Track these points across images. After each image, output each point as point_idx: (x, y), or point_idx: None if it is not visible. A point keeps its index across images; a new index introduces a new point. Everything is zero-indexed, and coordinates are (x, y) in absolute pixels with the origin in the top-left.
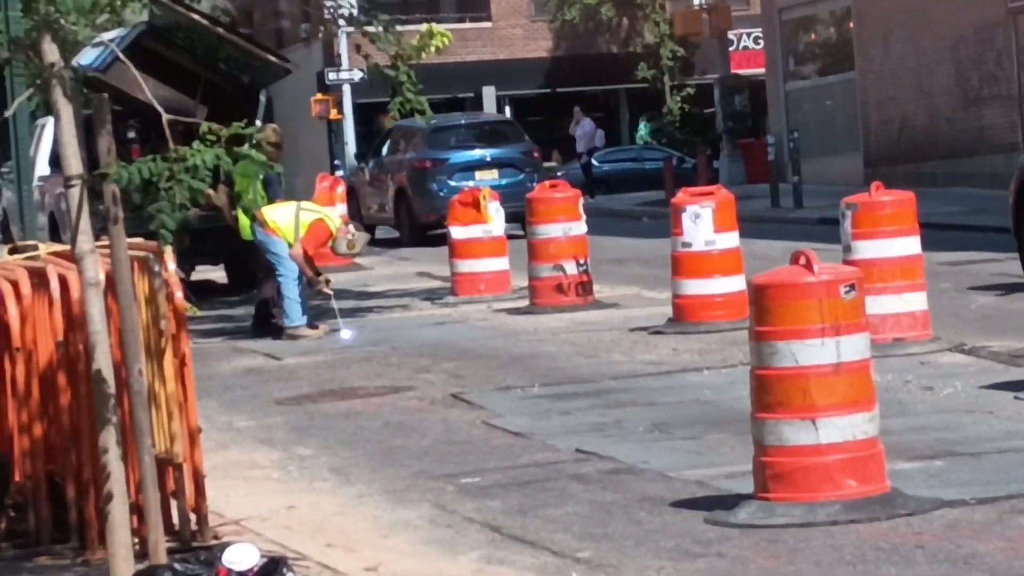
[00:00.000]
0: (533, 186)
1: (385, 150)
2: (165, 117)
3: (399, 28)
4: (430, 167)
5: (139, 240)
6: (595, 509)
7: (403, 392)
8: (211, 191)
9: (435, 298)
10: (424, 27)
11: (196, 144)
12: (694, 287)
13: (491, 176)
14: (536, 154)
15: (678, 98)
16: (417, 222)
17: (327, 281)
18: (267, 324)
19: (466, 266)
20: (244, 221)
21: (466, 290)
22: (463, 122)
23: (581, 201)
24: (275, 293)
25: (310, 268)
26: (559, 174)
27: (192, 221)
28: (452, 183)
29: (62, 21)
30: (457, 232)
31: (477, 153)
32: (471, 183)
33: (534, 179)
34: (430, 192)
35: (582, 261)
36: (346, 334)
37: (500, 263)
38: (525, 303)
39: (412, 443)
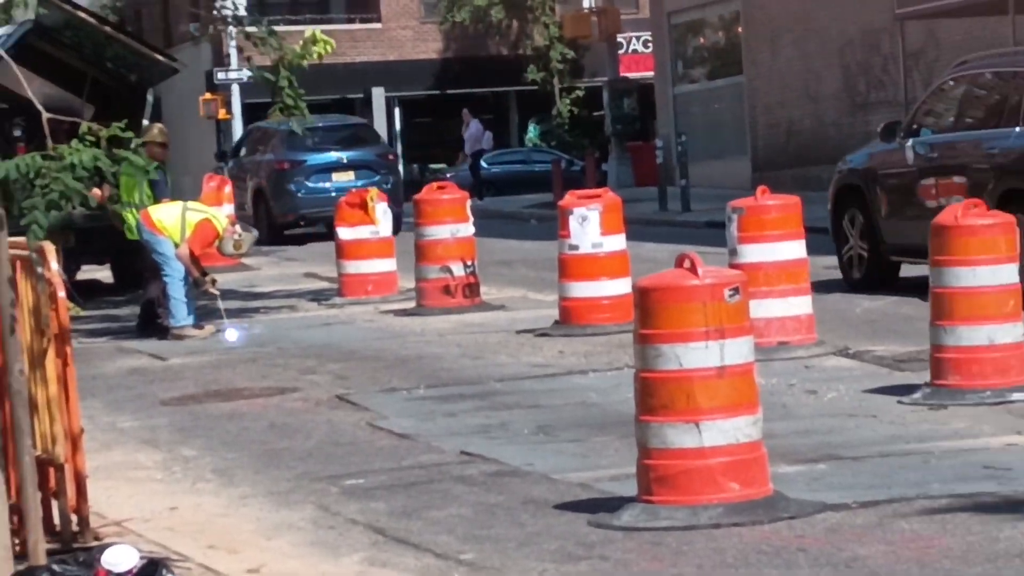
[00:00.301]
0: (388, 188)
1: (244, 151)
2: (45, 116)
3: (288, 28)
4: (288, 168)
5: (23, 239)
6: (479, 511)
7: (288, 393)
8: (97, 190)
9: (322, 299)
10: (307, 33)
11: (75, 143)
12: (580, 289)
13: (347, 177)
14: (391, 156)
15: (567, 101)
16: (275, 222)
17: (213, 281)
18: (153, 324)
19: (353, 267)
20: (130, 221)
21: (353, 291)
22: (320, 124)
23: (469, 203)
24: (161, 293)
25: (196, 268)
26: (447, 176)
27: (77, 220)
28: (309, 184)
29: None
30: (344, 233)
31: (334, 155)
32: (328, 184)
33: (389, 181)
34: (288, 192)
35: (469, 263)
36: (232, 335)
37: (387, 264)
38: (412, 304)
39: (296, 444)
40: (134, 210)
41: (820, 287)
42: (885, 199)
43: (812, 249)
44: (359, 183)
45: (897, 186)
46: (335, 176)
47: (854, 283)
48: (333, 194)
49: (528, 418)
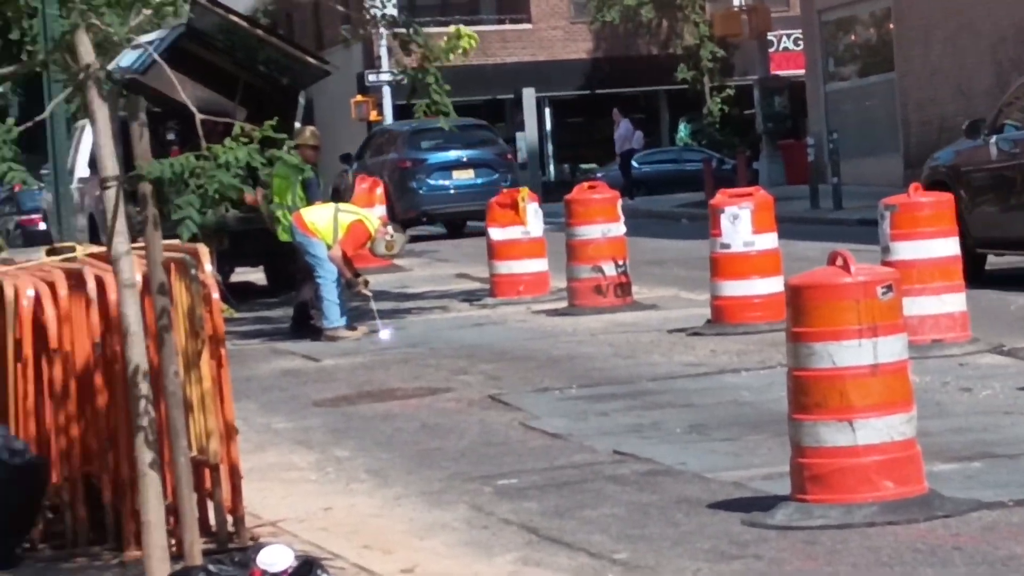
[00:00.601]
0: (507, 186)
1: (368, 153)
2: (199, 117)
3: (439, 30)
4: (410, 167)
5: (177, 242)
6: (632, 510)
7: (441, 394)
8: (249, 194)
9: (474, 299)
10: (452, 29)
11: (228, 142)
12: (732, 288)
13: (467, 176)
14: (509, 156)
15: (718, 99)
16: (398, 219)
17: (365, 282)
18: (306, 325)
19: (505, 267)
20: (283, 223)
21: (505, 291)
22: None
23: (619, 202)
24: (313, 295)
25: (349, 269)
26: (598, 175)
27: (231, 223)
28: (431, 182)
29: (97, 20)
30: (496, 233)
31: (454, 154)
32: (448, 182)
33: (507, 179)
34: (410, 190)
35: (621, 262)
36: (384, 335)
37: (539, 264)
38: (564, 304)
39: (449, 445)
40: (287, 212)
41: (973, 283)
42: (970, 194)
43: None
44: (479, 181)
45: (981, 181)
46: (455, 174)
47: None
48: (453, 192)
49: (681, 417)
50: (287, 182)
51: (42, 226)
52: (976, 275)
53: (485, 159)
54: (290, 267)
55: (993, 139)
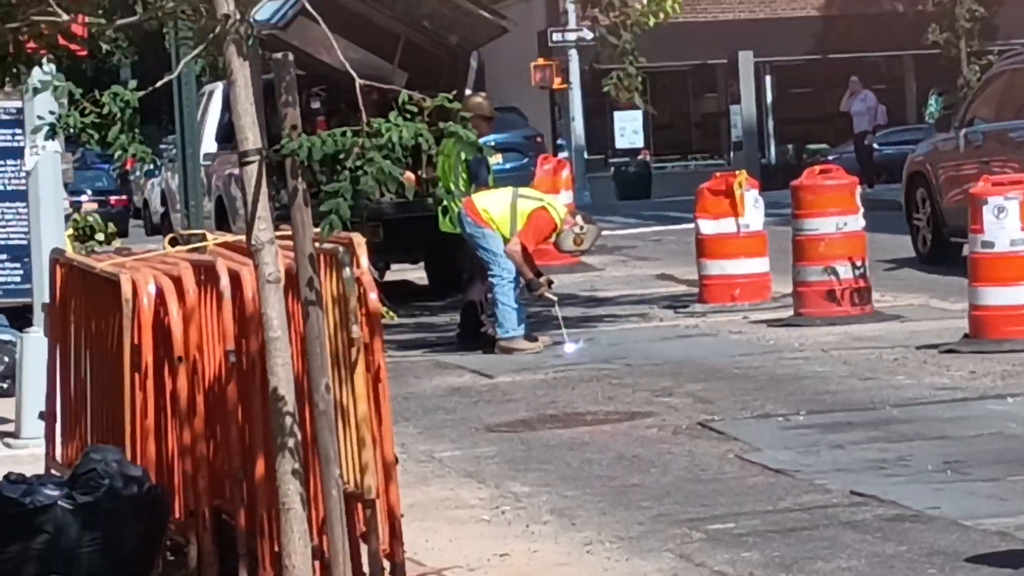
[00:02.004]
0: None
1: None
2: (359, 82)
3: None
4: None
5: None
6: (874, 564)
7: (640, 419)
8: (410, 174)
9: (679, 306)
10: None
11: (394, 116)
12: (996, 296)
13: (494, 160)
14: (539, 139)
15: (976, 67)
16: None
17: (549, 283)
18: (476, 334)
19: (717, 267)
20: (451, 210)
21: (717, 296)
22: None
23: (858, 191)
24: (485, 297)
25: (529, 267)
26: (829, 158)
27: (386, 210)
28: None
29: None
30: (706, 226)
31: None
32: None
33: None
34: None
35: (859, 263)
36: (571, 348)
37: (758, 264)
38: (788, 313)
39: (650, 480)
40: (453, 198)
41: None
42: (944, 184)
43: None
44: (507, 166)
45: (953, 173)
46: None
47: (922, 258)
48: None
49: (932, 452)
50: (451, 161)
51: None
52: (952, 260)
53: (513, 143)
54: (456, 263)
55: (963, 132)
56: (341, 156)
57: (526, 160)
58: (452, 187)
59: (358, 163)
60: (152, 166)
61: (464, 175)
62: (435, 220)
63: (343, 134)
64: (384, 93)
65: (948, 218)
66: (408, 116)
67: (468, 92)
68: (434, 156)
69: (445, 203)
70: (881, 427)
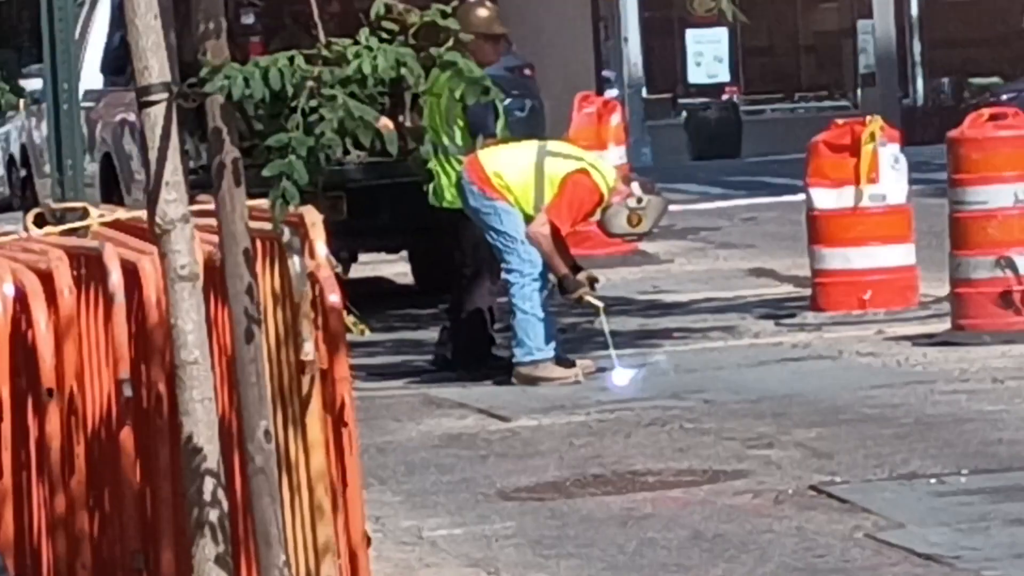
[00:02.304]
0: (522, 114)
1: None
2: None
3: None
4: None
5: (263, 203)
6: None
7: (726, 481)
8: (387, 120)
9: (783, 315)
10: None
11: (365, 36)
12: None
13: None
14: (528, 72)
15: None
16: None
17: (592, 282)
18: (483, 356)
19: (838, 259)
20: (442, 177)
21: (838, 301)
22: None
23: None
24: (495, 302)
25: (562, 259)
26: (1005, 97)
27: (352, 175)
28: None
29: None
30: (822, 198)
31: None
32: None
33: (524, 106)
34: None
35: None
36: (623, 377)
37: (899, 254)
38: (943, 326)
39: (743, 571)
40: (446, 159)
41: None
42: None
43: None
44: None
45: None
46: None
47: None
48: None
49: None
50: (443, 104)
51: None
52: None
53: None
54: (453, 253)
55: None
56: (289, 94)
57: (509, 101)
58: (445, 142)
59: (312, 104)
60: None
61: (461, 123)
62: (422, 189)
63: (291, 61)
64: (347, 5)
65: None
66: (386, 37)
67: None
68: (421, 96)
69: (432, 165)
70: None
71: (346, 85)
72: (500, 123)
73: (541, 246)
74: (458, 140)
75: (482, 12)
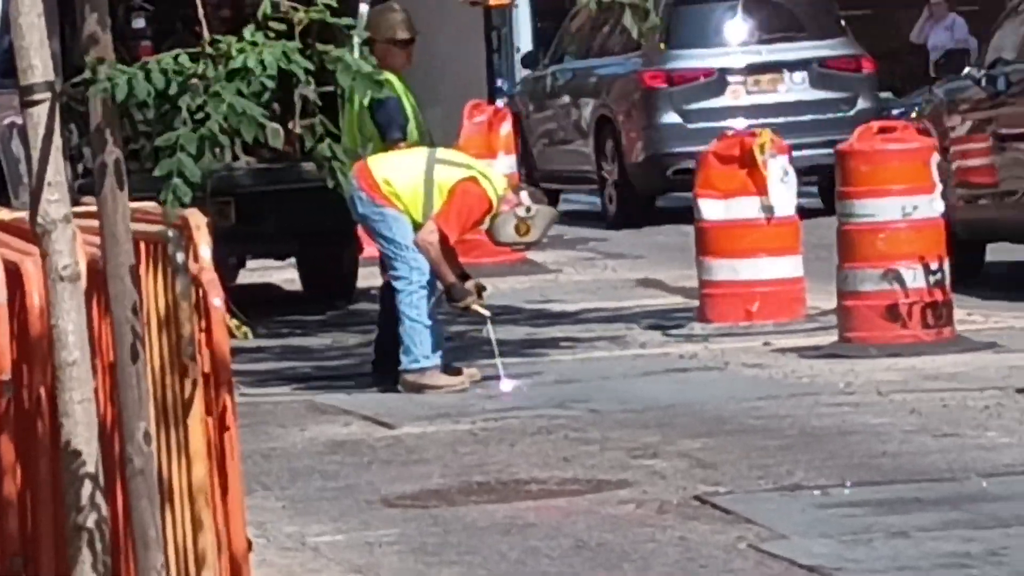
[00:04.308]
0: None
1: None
2: None
3: None
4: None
5: (150, 205)
6: None
7: (610, 490)
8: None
9: (670, 326)
10: None
11: (251, 33)
12: None
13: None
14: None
15: None
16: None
17: (480, 291)
18: (386, 363)
19: (726, 269)
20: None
21: (725, 312)
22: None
23: (935, 158)
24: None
25: (450, 267)
26: (895, 112)
27: (241, 180)
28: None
29: None
30: (710, 209)
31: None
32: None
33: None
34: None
35: (935, 265)
36: (509, 385)
37: (787, 265)
38: (831, 338)
39: None
40: (343, 162)
41: None
42: None
43: None
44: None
45: None
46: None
47: None
48: None
49: None
50: (356, 111)
51: None
52: None
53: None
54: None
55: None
56: (174, 93)
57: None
58: (359, 150)
59: (199, 101)
60: None
61: (372, 127)
62: (313, 194)
63: (176, 60)
64: (240, 6)
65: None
66: (273, 36)
67: (363, 7)
68: (310, 98)
69: (335, 167)
70: (964, 506)
71: (231, 80)
72: (410, 126)
73: (429, 254)
74: (372, 150)
75: (391, 16)
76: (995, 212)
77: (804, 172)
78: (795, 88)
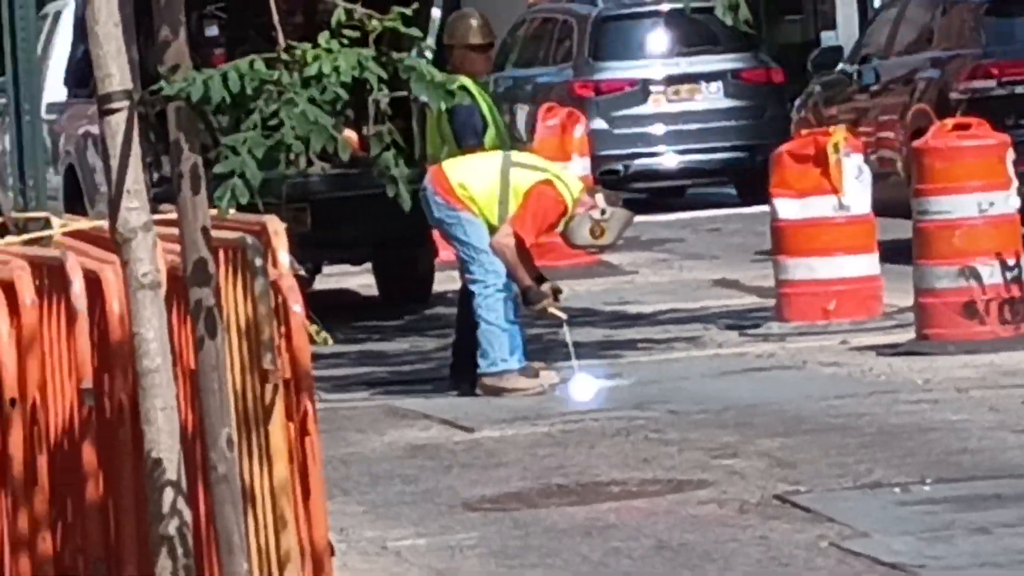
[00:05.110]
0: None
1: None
2: None
3: None
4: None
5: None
6: None
7: (690, 491)
8: (351, 132)
9: (747, 326)
10: None
11: (326, 40)
12: None
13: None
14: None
15: None
16: None
17: (556, 294)
18: (465, 368)
19: (803, 268)
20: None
21: (802, 311)
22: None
23: (1011, 153)
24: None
25: (527, 270)
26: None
27: (316, 187)
28: None
29: None
30: (786, 208)
31: None
32: None
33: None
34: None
35: (1012, 262)
36: (584, 388)
37: (863, 264)
38: (907, 336)
39: None
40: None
41: None
42: None
43: None
44: None
45: None
46: None
47: None
48: None
49: None
50: (436, 118)
51: None
52: None
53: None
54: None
55: None
56: (249, 97)
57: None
58: (442, 155)
59: (272, 108)
60: None
61: (447, 130)
62: (388, 199)
63: (251, 65)
64: (312, 12)
65: None
66: (347, 43)
67: (436, 12)
68: (383, 106)
69: (395, 174)
70: None
71: (306, 87)
72: (490, 132)
73: (505, 257)
74: (435, 150)
75: (468, 22)
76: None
77: (719, 172)
78: (711, 97)
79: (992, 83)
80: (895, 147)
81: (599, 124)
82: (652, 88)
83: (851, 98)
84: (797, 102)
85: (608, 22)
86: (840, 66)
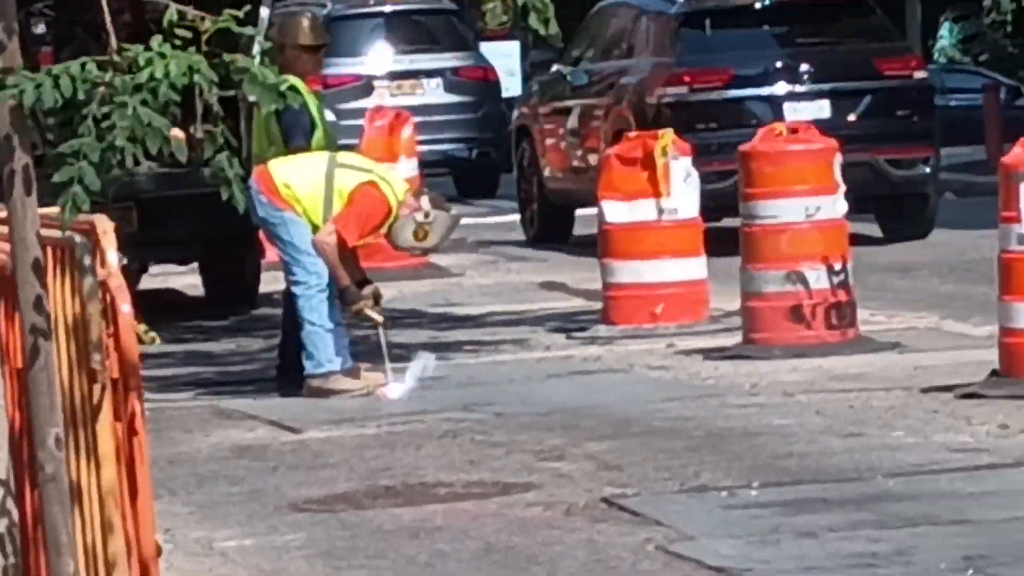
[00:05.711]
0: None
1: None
2: None
3: None
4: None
5: (53, 211)
6: None
7: (517, 493)
8: (177, 131)
9: (574, 328)
10: None
11: (158, 43)
12: None
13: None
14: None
15: None
16: None
17: (377, 298)
18: (289, 370)
19: (629, 272)
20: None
21: (629, 315)
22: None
23: (838, 159)
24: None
25: (348, 270)
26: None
27: (143, 186)
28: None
29: None
30: (613, 211)
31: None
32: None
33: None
34: None
35: (838, 266)
36: (395, 390)
37: (690, 267)
38: (735, 340)
39: None
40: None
41: None
42: None
43: None
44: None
45: None
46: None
47: None
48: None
49: (946, 542)
50: (262, 119)
51: None
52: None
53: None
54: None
55: None
56: (81, 102)
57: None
58: (264, 152)
59: (104, 111)
60: None
61: (275, 132)
62: (215, 198)
63: (83, 67)
64: (141, 11)
65: None
66: (179, 44)
67: (265, 12)
68: (213, 106)
69: (230, 178)
70: (871, 506)
71: (138, 91)
72: (318, 133)
73: (326, 255)
74: (262, 149)
75: (300, 22)
76: (573, 184)
77: (438, 164)
78: (432, 92)
79: (684, 89)
80: (597, 148)
81: (327, 116)
82: (376, 83)
83: (563, 97)
84: (518, 98)
85: (336, 21)
86: (555, 67)
